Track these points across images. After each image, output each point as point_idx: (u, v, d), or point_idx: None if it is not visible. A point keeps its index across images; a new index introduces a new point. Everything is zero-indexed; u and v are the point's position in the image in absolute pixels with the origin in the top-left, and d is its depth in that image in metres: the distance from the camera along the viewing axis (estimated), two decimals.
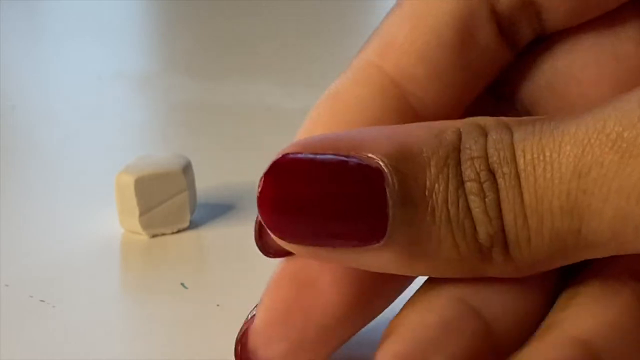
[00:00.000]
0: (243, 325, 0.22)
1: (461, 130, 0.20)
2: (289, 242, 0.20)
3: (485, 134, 0.20)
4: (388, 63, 0.23)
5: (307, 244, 0.20)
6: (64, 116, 0.44)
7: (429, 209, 0.19)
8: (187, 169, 0.30)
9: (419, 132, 0.20)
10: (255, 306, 0.22)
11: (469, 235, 0.19)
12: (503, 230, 0.19)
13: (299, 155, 0.19)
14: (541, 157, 0.19)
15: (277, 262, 0.22)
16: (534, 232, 0.19)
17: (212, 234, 0.30)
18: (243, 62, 0.53)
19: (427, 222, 0.19)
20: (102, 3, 0.69)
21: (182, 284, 0.26)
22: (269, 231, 0.20)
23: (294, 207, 0.19)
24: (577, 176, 0.19)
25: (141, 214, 0.29)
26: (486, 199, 0.19)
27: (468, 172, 0.19)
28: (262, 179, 0.19)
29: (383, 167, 0.19)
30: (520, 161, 0.19)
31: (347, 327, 0.22)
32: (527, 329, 0.21)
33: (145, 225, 0.29)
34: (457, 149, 0.19)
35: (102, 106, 0.46)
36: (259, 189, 0.19)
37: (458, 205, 0.19)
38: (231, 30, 0.62)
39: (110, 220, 0.30)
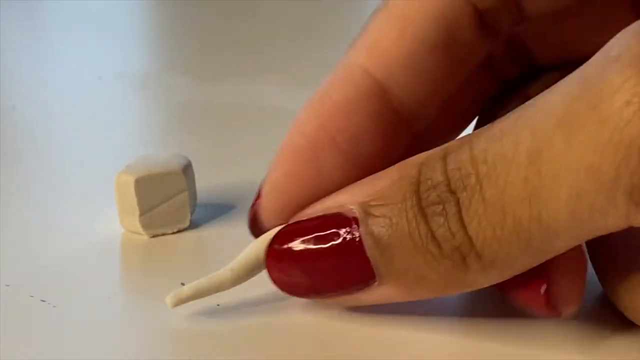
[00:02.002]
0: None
1: (422, 164, 0.21)
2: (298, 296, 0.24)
3: (444, 158, 0.21)
4: (374, 66, 0.23)
5: (313, 298, 0.24)
6: (65, 116, 0.44)
7: (400, 243, 0.21)
8: (187, 169, 0.30)
9: (385, 180, 0.22)
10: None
11: (437, 256, 0.21)
12: (470, 238, 0.20)
13: (290, 244, 0.23)
14: (500, 156, 0.20)
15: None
16: (499, 228, 0.20)
17: (212, 234, 0.30)
18: (243, 62, 0.54)
19: (402, 256, 0.21)
20: (103, 3, 0.69)
21: (183, 284, 0.26)
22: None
23: (293, 283, 0.23)
24: (532, 160, 0.19)
25: (141, 214, 0.29)
26: (448, 216, 0.20)
27: (430, 199, 0.21)
28: (266, 259, 0.24)
29: (352, 211, 0.22)
30: (482, 168, 0.20)
31: None
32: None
33: (146, 225, 0.29)
34: (416, 183, 0.21)
35: (102, 106, 0.46)
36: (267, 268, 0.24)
37: (419, 233, 0.21)
38: (231, 30, 0.62)
39: (110, 220, 0.30)
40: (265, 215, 0.25)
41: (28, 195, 0.34)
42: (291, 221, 0.23)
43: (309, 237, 0.23)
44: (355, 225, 0.22)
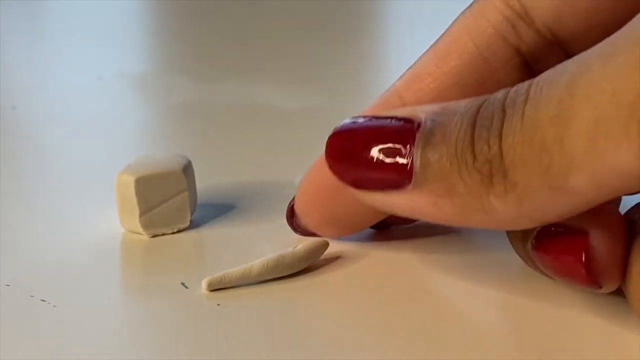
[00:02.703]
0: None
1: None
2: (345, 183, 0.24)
3: (510, 89, 0.22)
4: (409, 95, 0.26)
5: (354, 189, 0.24)
6: (65, 116, 0.44)
7: (444, 148, 0.22)
8: (187, 168, 0.30)
9: (462, 101, 0.23)
10: None
11: (470, 166, 0.21)
12: (502, 153, 0.21)
13: (354, 123, 0.24)
14: (547, 82, 0.21)
15: None
16: (527, 147, 0.20)
17: (212, 234, 0.30)
18: (243, 62, 0.54)
19: (442, 160, 0.22)
20: (103, 4, 0.69)
21: (183, 284, 0.26)
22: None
23: (346, 157, 0.24)
24: (569, 84, 0.20)
25: (141, 214, 0.29)
26: (491, 129, 0.21)
27: (484, 113, 0.22)
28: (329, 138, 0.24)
29: (421, 118, 0.23)
30: (532, 90, 0.21)
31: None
32: None
33: (146, 225, 0.29)
34: (483, 101, 0.22)
35: (102, 106, 0.46)
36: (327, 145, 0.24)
37: (463, 140, 0.22)
38: (231, 30, 0.62)
39: (110, 220, 0.30)
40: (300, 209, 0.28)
41: (28, 195, 0.34)
42: (362, 114, 0.25)
43: (370, 124, 0.24)
44: (417, 127, 0.23)
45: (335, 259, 0.28)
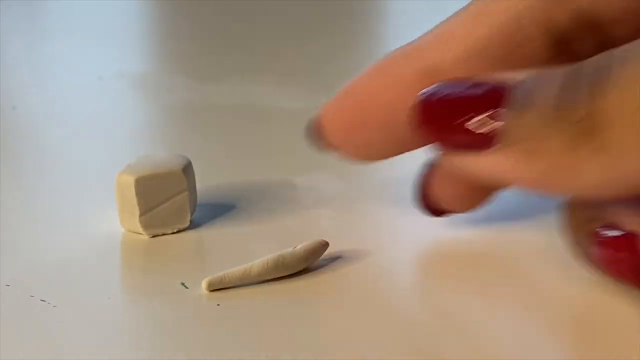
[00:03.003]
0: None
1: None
2: (435, 139, 0.24)
3: (601, 55, 0.21)
4: (435, 55, 0.25)
5: (448, 148, 0.24)
6: (65, 116, 0.44)
7: (537, 104, 0.22)
8: (187, 169, 0.30)
9: (548, 69, 0.22)
10: None
11: (565, 121, 0.21)
12: (603, 108, 0.20)
13: (443, 88, 0.24)
14: None
15: None
16: (628, 104, 0.20)
17: (212, 234, 0.30)
18: (242, 63, 0.54)
19: (533, 118, 0.22)
20: (103, 4, 0.69)
21: (183, 284, 0.26)
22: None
23: (435, 122, 0.24)
24: None
25: (141, 214, 0.29)
26: (592, 83, 0.21)
27: (584, 71, 0.21)
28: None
29: (510, 83, 0.22)
30: (628, 52, 0.21)
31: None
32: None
33: (146, 225, 0.29)
34: (574, 66, 0.22)
35: (103, 106, 0.46)
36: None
37: (559, 95, 0.21)
38: (231, 30, 0.62)
39: (110, 220, 0.30)
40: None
41: (28, 195, 0.34)
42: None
43: (459, 89, 0.24)
44: (506, 90, 0.22)
45: (335, 259, 0.28)
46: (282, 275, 0.26)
